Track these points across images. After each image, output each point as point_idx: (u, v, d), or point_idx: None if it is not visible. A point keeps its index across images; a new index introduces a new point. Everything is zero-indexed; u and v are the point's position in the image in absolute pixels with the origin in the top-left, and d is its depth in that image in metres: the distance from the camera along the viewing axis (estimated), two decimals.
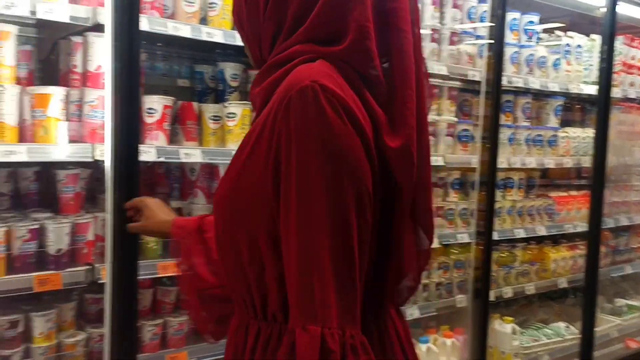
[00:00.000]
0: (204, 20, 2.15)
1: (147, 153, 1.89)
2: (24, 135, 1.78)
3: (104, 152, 1.76)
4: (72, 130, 1.86)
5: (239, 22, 1.08)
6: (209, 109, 2.20)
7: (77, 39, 1.92)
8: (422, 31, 2.60)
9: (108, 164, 1.65)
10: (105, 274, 1.82)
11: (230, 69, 2.36)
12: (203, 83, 2.46)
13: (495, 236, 2.87)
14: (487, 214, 2.57)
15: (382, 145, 0.92)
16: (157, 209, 1.51)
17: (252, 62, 1.10)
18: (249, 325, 1.00)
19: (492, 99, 2.51)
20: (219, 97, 2.39)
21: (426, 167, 1.01)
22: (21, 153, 1.70)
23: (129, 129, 1.64)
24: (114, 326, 1.67)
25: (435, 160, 2.72)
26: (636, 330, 3.67)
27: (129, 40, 1.62)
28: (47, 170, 2.05)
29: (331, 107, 0.86)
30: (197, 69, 2.46)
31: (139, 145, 1.68)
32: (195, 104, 2.21)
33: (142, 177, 1.75)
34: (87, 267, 1.86)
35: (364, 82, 0.94)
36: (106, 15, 1.63)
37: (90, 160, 1.81)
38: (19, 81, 1.82)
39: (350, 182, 0.86)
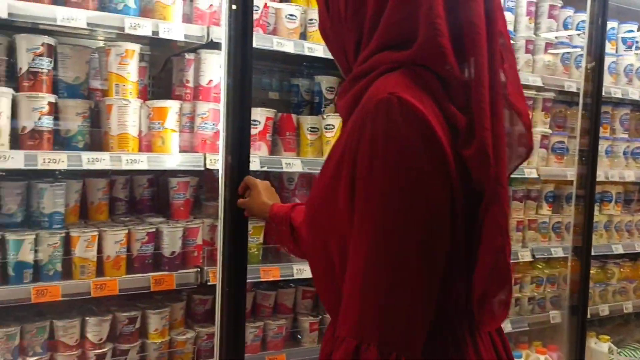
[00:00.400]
0: (303, 36, 2.25)
1: (252, 162, 1.98)
2: (142, 145, 1.92)
3: (217, 161, 1.88)
4: (183, 141, 1.99)
5: (325, 35, 1.09)
6: (307, 121, 2.29)
7: (190, 56, 2.05)
8: (516, 42, 2.57)
9: (222, 172, 1.76)
10: (213, 276, 1.94)
11: (326, 82, 2.44)
12: (298, 96, 2.56)
13: (592, 252, 2.79)
14: (585, 228, 2.51)
15: (460, 152, 0.89)
16: (263, 191, 1.64)
17: (341, 72, 1.10)
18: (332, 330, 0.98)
19: (592, 110, 2.45)
20: (314, 110, 2.47)
21: (502, 167, 0.93)
22: (142, 162, 1.84)
23: (241, 139, 1.73)
24: (224, 326, 1.76)
25: (529, 172, 2.69)
26: None
27: (242, 57, 1.72)
28: (159, 178, 2.20)
29: (405, 121, 0.84)
30: (293, 82, 2.56)
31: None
32: (294, 116, 2.30)
33: None
34: (197, 269, 1.97)
35: (442, 84, 0.91)
36: (222, 34, 1.74)
37: (202, 168, 1.93)
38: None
39: (417, 199, 0.84)
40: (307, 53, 2.12)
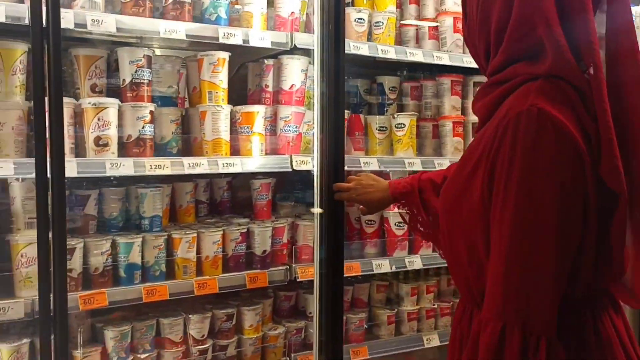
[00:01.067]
0: (369, 38, 2.33)
1: None
2: (232, 149, 2.00)
3: (303, 162, 1.97)
4: (267, 144, 2.07)
5: (465, 40, 1.22)
6: (376, 120, 2.37)
7: (269, 62, 2.14)
8: None
9: (317, 173, 1.84)
10: (301, 273, 2.03)
11: (389, 82, 2.52)
12: (358, 96, 2.64)
13: None
14: None
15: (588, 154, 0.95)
16: (366, 180, 1.78)
17: (483, 73, 1.19)
18: (472, 313, 1.09)
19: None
20: (375, 109, 2.55)
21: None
22: (237, 165, 1.92)
23: (336, 141, 1.82)
24: (324, 320, 1.85)
25: None
26: None
27: (336, 64, 1.80)
28: (235, 180, 2.28)
29: (544, 131, 0.92)
30: (352, 82, 2.63)
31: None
32: (362, 116, 2.38)
33: None
34: (286, 267, 2.06)
35: (580, 96, 0.98)
36: (315, 42, 1.82)
37: (289, 169, 2.01)
38: None
39: (560, 202, 0.92)
40: (381, 55, 2.21)
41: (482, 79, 2.53)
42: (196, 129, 2.02)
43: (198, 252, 1.94)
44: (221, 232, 1.97)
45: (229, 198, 2.29)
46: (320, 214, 1.84)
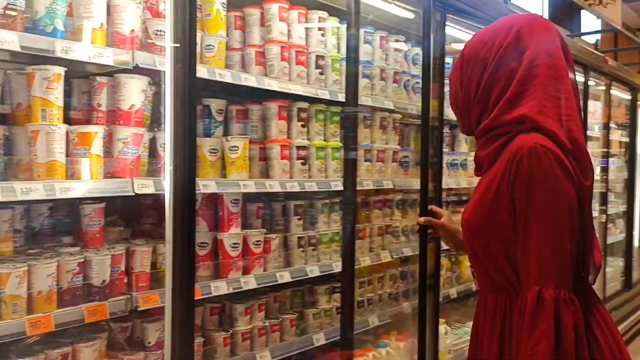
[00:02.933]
0: (200, 59, 2.33)
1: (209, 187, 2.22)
2: (68, 172, 1.84)
3: (145, 186, 1.90)
4: (105, 166, 1.95)
5: (455, 102, 1.59)
6: (207, 143, 2.38)
7: (102, 79, 2.02)
8: (372, 71, 2.90)
9: (170, 197, 1.79)
10: (143, 301, 1.95)
11: (216, 105, 2.54)
12: None
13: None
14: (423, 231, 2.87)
15: (580, 183, 1.40)
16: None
17: (461, 128, 1.66)
18: (512, 301, 1.45)
19: (423, 129, 2.88)
20: (201, 132, 2.54)
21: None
22: (76, 189, 1.78)
23: (190, 165, 1.79)
24: (176, 347, 1.79)
25: (387, 183, 3.10)
26: None
27: (190, 89, 1.78)
28: (61, 205, 2.09)
29: (548, 160, 1.34)
30: None
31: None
32: None
33: None
34: (127, 296, 1.94)
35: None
36: (167, 62, 1.77)
37: (131, 194, 1.92)
38: None
39: (562, 202, 1.35)
40: (218, 79, 2.22)
41: (305, 105, 2.71)
42: (23, 150, 1.81)
43: (29, 287, 1.74)
44: (56, 264, 1.79)
45: (50, 225, 2.09)
46: (172, 237, 1.79)
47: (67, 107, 2.05)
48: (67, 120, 2.00)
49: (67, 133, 1.85)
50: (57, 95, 1.79)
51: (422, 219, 2.18)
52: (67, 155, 1.85)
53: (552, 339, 1.28)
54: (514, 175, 1.37)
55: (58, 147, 1.79)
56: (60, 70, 1.80)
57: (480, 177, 1.55)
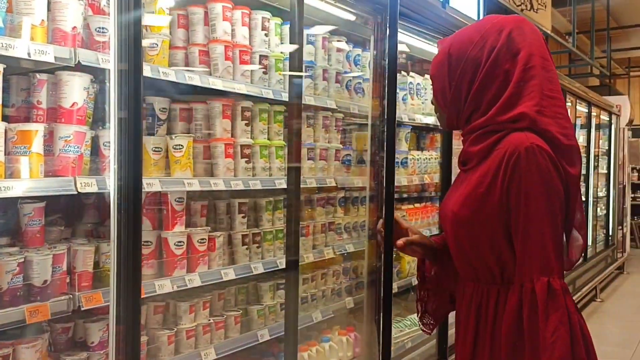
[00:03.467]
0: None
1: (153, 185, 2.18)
2: (7, 171, 1.81)
3: (88, 185, 1.89)
4: (46, 165, 1.92)
5: (443, 100, 1.63)
6: (150, 141, 2.37)
7: (42, 76, 1.98)
8: (315, 71, 2.95)
9: (114, 195, 1.78)
10: (85, 301, 1.94)
11: (159, 103, 2.53)
12: None
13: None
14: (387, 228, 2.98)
15: (567, 172, 1.50)
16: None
17: (443, 125, 1.72)
18: (490, 291, 1.55)
19: (388, 130, 2.96)
20: (144, 130, 2.53)
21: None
22: (15, 188, 1.74)
23: (135, 164, 1.79)
24: (120, 347, 1.79)
25: (330, 181, 3.16)
26: None
27: (135, 90, 1.77)
28: (3, 205, 2.04)
29: (544, 160, 1.44)
30: None
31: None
32: None
33: None
34: (69, 296, 1.92)
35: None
36: (112, 60, 1.76)
37: (74, 192, 1.90)
38: None
39: (557, 199, 1.46)
40: (162, 77, 2.22)
41: (249, 104, 2.73)
42: None
43: None
44: None
45: None
46: (117, 236, 1.79)
47: (4, 105, 2.00)
48: (5, 117, 1.96)
49: (5, 131, 1.81)
50: None
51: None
52: (6, 154, 1.81)
53: (568, 324, 1.38)
54: (511, 173, 1.45)
55: None
56: (0, 67, 1.76)
57: (466, 172, 1.61)
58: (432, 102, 1.73)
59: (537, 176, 1.43)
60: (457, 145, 4.20)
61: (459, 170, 1.70)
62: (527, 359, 1.41)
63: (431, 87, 1.71)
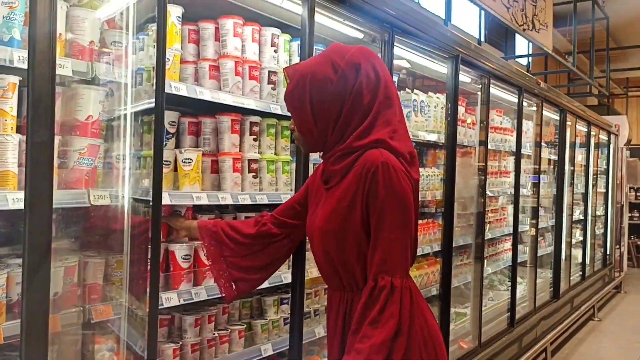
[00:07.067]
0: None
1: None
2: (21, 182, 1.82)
3: (101, 197, 1.90)
4: (60, 177, 1.93)
5: (309, 133, 1.75)
6: None
7: (57, 89, 1.99)
8: (262, 71, 2.89)
9: (127, 209, 1.80)
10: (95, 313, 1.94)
11: (169, 117, 2.55)
12: None
13: None
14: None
15: (413, 178, 1.70)
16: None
17: (304, 149, 1.91)
18: (354, 298, 1.70)
19: None
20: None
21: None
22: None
23: (157, 177, 1.80)
24: None
25: None
26: (464, 333, 4.48)
27: (159, 103, 1.80)
28: (13, 216, 2.05)
29: (396, 173, 1.62)
30: None
31: None
32: None
33: None
34: (79, 308, 1.93)
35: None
36: (129, 77, 1.79)
37: (87, 205, 1.91)
38: None
39: (408, 206, 1.64)
40: (173, 92, 2.25)
41: (257, 119, 2.75)
42: None
43: None
44: (5, 275, 1.77)
45: None
46: (130, 248, 1.80)
47: (17, 116, 2.03)
48: (19, 129, 1.97)
49: (20, 143, 1.83)
50: (11, 105, 1.78)
51: None
52: (19, 166, 1.82)
53: (398, 317, 1.57)
54: (369, 184, 1.62)
55: (11, 157, 1.77)
56: (16, 79, 1.79)
57: (328, 190, 1.76)
58: (290, 129, 1.86)
59: (389, 188, 1.60)
60: (460, 162, 4.24)
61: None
62: (351, 342, 1.57)
63: (292, 118, 1.83)
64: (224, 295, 2.09)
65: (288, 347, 2.71)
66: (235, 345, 2.67)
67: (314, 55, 2.95)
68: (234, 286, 2.06)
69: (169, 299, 2.26)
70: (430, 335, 1.70)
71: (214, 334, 2.57)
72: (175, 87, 2.26)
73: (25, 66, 1.73)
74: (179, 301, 2.30)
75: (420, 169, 4.13)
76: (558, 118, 6.33)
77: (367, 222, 1.64)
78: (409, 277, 1.66)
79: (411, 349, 1.59)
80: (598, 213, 8.73)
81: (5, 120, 1.76)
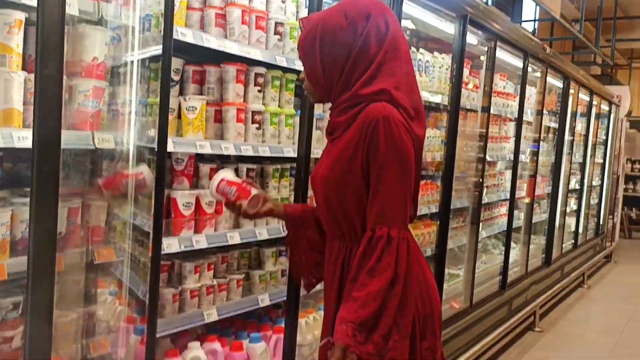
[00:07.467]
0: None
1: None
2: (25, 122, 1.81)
3: (105, 140, 1.90)
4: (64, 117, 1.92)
5: (316, 80, 1.75)
6: None
7: None
8: (268, 22, 2.82)
9: (132, 152, 1.80)
10: (98, 255, 1.96)
11: (173, 64, 2.52)
12: None
13: None
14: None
15: (414, 133, 1.68)
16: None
17: (313, 99, 1.87)
18: (352, 249, 1.72)
19: None
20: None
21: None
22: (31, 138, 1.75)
23: (162, 123, 1.80)
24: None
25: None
26: (457, 294, 4.55)
27: (168, 45, 1.77)
28: (18, 155, 2.06)
29: (397, 127, 1.62)
30: None
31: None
32: None
33: None
34: (82, 249, 1.95)
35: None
36: (136, 19, 1.76)
37: (91, 147, 1.91)
38: None
39: (408, 161, 1.64)
40: (180, 38, 2.22)
41: (263, 70, 2.72)
42: None
43: None
44: (9, 213, 1.78)
45: (3, 175, 2.05)
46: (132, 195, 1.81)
47: (24, 55, 2.00)
48: (24, 67, 1.95)
49: (25, 81, 1.81)
50: (17, 42, 1.76)
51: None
52: (24, 104, 1.81)
53: (394, 267, 1.59)
54: (370, 137, 1.63)
55: (17, 95, 1.75)
56: (22, 16, 1.76)
57: (332, 141, 1.76)
58: (300, 79, 1.85)
59: (390, 141, 1.62)
60: (462, 125, 4.23)
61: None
62: (349, 290, 1.60)
63: (302, 66, 1.81)
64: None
65: (285, 299, 2.75)
66: (233, 294, 2.71)
67: (322, 8, 2.93)
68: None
69: (170, 244, 2.28)
70: (427, 286, 1.74)
71: (213, 281, 2.60)
72: (181, 32, 2.23)
73: (31, 2, 1.71)
74: (180, 247, 2.32)
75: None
76: (561, 86, 6.29)
77: (368, 174, 1.66)
78: (407, 230, 1.68)
79: (407, 298, 1.62)
80: (594, 183, 8.77)
81: (11, 57, 1.75)
